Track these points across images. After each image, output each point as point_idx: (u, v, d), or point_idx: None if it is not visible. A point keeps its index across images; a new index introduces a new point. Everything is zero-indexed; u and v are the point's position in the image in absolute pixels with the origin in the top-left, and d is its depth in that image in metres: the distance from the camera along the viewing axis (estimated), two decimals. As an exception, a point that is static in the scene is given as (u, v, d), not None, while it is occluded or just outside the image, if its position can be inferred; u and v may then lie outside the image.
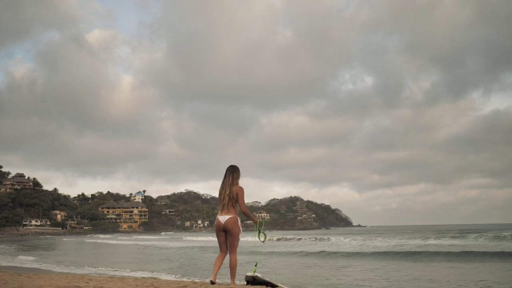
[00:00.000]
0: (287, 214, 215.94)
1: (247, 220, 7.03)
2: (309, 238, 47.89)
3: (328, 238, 46.10)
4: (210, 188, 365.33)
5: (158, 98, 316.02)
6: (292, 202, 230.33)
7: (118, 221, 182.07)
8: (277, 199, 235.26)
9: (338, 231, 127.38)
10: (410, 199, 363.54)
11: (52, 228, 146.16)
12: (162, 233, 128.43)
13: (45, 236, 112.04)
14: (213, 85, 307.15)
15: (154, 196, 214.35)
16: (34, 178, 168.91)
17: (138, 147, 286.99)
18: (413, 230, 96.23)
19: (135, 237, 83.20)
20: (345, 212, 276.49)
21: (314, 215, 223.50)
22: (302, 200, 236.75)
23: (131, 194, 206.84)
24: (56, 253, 31.59)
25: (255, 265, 6.46)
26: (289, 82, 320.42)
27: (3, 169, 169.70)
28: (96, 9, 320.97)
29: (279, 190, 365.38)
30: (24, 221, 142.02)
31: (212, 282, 6.13)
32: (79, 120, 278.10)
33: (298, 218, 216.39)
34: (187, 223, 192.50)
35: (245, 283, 6.57)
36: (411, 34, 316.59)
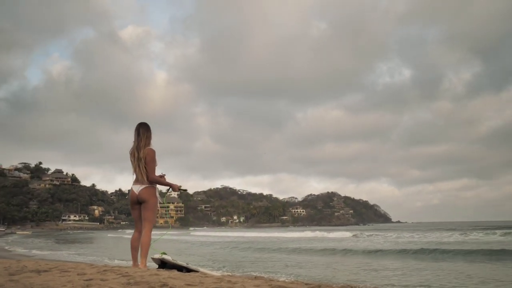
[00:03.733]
0: (324, 210, 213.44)
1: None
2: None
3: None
4: (246, 183, 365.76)
5: (193, 94, 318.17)
6: (329, 197, 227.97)
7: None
8: (314, 194, 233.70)
9: (378, 226, 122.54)
10: (452, 194, 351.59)
11: (90, 223, 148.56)
12: (191, 228, 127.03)
13: (83, 230, 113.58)
14: (248, 80, 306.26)
15: (191, 191, 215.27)
16: (73, 174, 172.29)
17: (174, 143, 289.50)
18: (457, 226, 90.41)
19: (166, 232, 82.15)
20: (384, 208, 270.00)
21: (351, 211, 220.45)
22: (340, 195, 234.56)
23: (167, 189, 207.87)
24: (95, 247, 31.63)
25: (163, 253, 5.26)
26: (324, 76, 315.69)
27: (43, 165, 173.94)
28: (129, 5, 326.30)
29: (316, 186, 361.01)
30: (63, 216, 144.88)
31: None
32: (115, 116, 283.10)
33: (335, 214, 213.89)
34: (223, 219, 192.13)
35: (157, 266, 5.33)
36: (449, 24, 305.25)
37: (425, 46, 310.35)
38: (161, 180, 5.21)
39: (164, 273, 3.69)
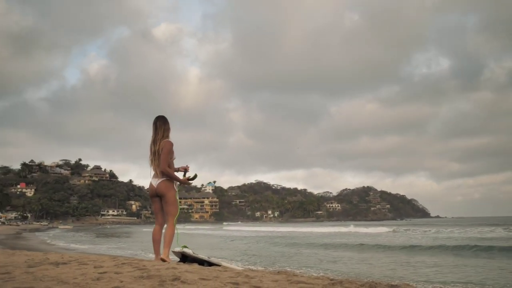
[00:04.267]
0: (360, 205, 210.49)
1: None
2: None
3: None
4: (281, 178, 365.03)
5: (225, 89, 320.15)
6: (365, 192, 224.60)
7: (190, 211, 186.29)
8: (349, 189, 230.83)
9: (416, 221, 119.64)
10: (494, 188, 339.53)
11: (127, 217, 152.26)
12: (225, 223, 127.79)
13: (121, 225, 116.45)
14: (280, 74, 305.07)
15: (225, 186, 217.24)
16: (110, 170, 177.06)
17: (208, 139, 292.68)
18: (500, 221, 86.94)
19: (201, 227, 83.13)
20: (422, 202, 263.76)
21: (388, 206, 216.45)
22: (376, 190, 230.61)
23: (202, 185, 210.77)
24: (131, 241, 32.34)
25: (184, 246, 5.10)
26: (358, 68, 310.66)
27: (82, 162, 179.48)
28: (161, 3, 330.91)
29: (351, 180, 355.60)
30: (102, 211, 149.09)
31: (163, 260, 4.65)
32: (150, 113, 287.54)
33: (372, 208, 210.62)
34: (257, 213, 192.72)
35: (178, 260, 5.20)
36: (490, 11, 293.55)
37: (464, 35, 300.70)
38: (171, 173, 5.08)
39: (182, 266, 3.57)
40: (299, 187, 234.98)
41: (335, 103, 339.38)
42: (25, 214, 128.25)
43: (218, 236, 36.91)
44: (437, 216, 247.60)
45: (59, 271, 2.93)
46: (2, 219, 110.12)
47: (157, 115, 5.37)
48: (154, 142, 5.17)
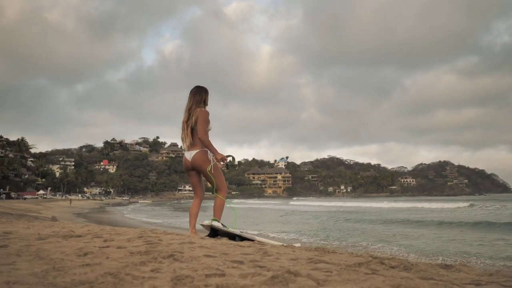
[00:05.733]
0: (436, 180, 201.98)
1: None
2: None
3: None
4: (354, 153, 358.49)
5: (297, 65, 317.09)
6: (441, 167, 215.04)
7: (263, 186, 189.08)
8: (425, 164, 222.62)
9: (496, 196, 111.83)
10: None
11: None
12: (294, 198, 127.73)
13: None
14: (352, 48, 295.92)
15: (298, 162, 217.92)
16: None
17: (280, 115, 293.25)
18: None
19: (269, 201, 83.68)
20: (503, 177, 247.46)
21: (466, 181, 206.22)
22: (453, 164, 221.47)
23: (275, 160, 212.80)
24: (204, 214, 33.00)
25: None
26: (434, 39, 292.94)
27: (160, 140, 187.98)
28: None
29: (427, 155, 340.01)
30: (179, 186, 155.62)
31: None
32: (223, 91, 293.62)
33: (448, 183, 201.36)
34: (330, 189, 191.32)
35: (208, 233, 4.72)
36: None
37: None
38: (209, 143, 4.67)
39: (201, 241, 3.19)
40: (373, 162, 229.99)
41: (409, 76, 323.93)
42: (108, 190, 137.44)
43: (283, 211, 36.85)
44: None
45: (57, 245, 2.65)
46: (87, 194, 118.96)
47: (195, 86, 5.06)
48: (187, 111, 4.83)
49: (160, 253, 2.26)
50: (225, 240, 3.87)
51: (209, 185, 4.79)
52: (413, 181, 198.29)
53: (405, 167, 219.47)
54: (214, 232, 4.43)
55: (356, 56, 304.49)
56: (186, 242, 2.94)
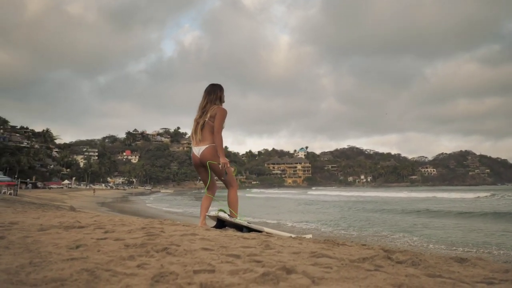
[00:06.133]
0: (457, 169, 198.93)
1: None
2: None
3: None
4: (373, 143, 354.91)
5: (316, 55, 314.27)
6: (462, 156, 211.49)
7: (283, 176, 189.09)
8: (446, 153, 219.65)
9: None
10: None
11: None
12: (313, 188, 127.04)
13: (218, 189, 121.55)
14: (371, 37, 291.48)
15: (317, 152, 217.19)
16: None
17: (299, 105, 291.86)
18: None
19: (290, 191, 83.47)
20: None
21: (488, 170, 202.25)
22: (474, 154, 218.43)
23: (295, 150, 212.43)
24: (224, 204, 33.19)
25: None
26: (455, 27, 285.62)
27: (181, 130, 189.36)
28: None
29: (448, 144, 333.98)
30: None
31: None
32: (242, 81, 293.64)
33: (470, 173, 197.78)
34: (350, 178, 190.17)
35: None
36: None
37: None
38: (221, 142, 4.53)
39: (205, 233, 3.08)
40: (393, 152, 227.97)
41: (430, 64, 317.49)
42: (130, 179, 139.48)
43: (301, 200, 36.70)
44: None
45: (54, 236, 2.59)
46: (110, 184, 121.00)
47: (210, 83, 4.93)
48: (199, 110, 4.74)
49: (155, 246, 2.16)
50: (231, 231, 3.76)
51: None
52: (433, 170, 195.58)
53: (426, 157, 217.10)
54: (221, 223, 4.32)
55: (375, 45, 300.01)
56: (189, 233, 2.84)
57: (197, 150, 4.62)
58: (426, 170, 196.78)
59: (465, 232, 11.37)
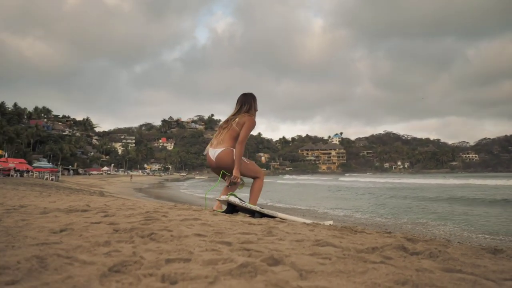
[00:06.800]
0: (501, 155, 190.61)
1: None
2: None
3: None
4: (411, 129, 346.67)
5: (350, 39, 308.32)
6: (507, 141, 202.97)
7: (317, 162, 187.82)
8: (489, 138, 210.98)
9: None
10: None
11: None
12: (346, 174, 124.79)
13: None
14: (408, 18, 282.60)
15: (352, 138, 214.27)
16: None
17: (334, 90, 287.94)
18: None
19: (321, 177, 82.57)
20: None
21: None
22: None
23: (329, 136, 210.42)
24: (265, 190, 33.34)
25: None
26: (499, 5, 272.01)
27: (215, 117, 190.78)
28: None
29: (491, 129, 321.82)
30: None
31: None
32: (276, 67, 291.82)
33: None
34: (386, 165, 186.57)
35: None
36: None
37: None
38: (241, 152, 4.30)
39: (209, 217, 2.89)
40: (432, 137, 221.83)
41: (472, 45, 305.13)
42: (166, 166, 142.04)
43: (332, 187, 36.16)
44: None
45: (49, 220, 2.46)
46: (147, 170, 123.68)
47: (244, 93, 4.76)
48: (231, 116, 4.56)
49: (143, 231, 1.98)
50: (240, 216, 3.55)
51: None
52: (475, 156, 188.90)
53: (467, 142, 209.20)
54: (232, 208, 4.11)
55: (412, 26, 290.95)
56: (191, 218, 2.65)
57: (213, 153, 4.41)
58: (467, 156, 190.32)
59: (510, 221, 10.76)
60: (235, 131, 4.35)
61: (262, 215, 3.86)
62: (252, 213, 3.93)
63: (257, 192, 4.45)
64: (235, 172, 4.22)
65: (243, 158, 4.45)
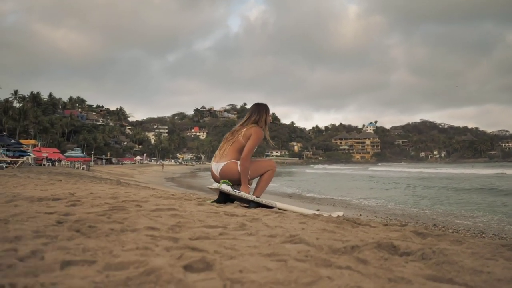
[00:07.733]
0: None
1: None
2: None
3: None
4: (448, 117, 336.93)
5: (385, 25, 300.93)
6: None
7: (351, 151, 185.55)
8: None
9: None
10: None
11: (290, 158, 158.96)
12: (379, 164, 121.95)
13: (284, 165, 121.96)
14: (446, 2, 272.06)
15: (387, 126, 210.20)
16: (273, 113, 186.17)
17: (368, 78, 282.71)
18: None
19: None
20: None
21: None
22: None
23: (363, 125, 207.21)
24: (299, 179, 32.84)
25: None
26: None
27: (247, 106, 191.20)
28: None
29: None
30: (266, 152, 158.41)
31: None
32: (309, 55, 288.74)
33: None
34: (422, 154, 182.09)
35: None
36: None
37: None
38: (247, 167, 4.00)
39: (194, 207, 2.62)
40: (469, 126, 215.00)
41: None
42: (199, 155, 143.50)
43: (364, 176, 35.45)
44: None
45: (39, 209, 2.28)
46: (179, 160, 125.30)
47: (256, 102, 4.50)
48: (239, 126, 4.32)
49: (86, 223, 1.74)
50: (231, 206, 3.27)
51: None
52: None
53: (507, 131, 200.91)
54: (225, 197, 3.83)
55: (450, 11, 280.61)
56: (165, 209, 2.39)
57: (216, 168, 4.15)
58: (507, 145, 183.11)
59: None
60: (240, 143, 4.11)
61: (258, 204, 3.57)
62: (248, 203, 3.65)
63: (264, 183, 4.18)
64: (243, 189, 3.95)
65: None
